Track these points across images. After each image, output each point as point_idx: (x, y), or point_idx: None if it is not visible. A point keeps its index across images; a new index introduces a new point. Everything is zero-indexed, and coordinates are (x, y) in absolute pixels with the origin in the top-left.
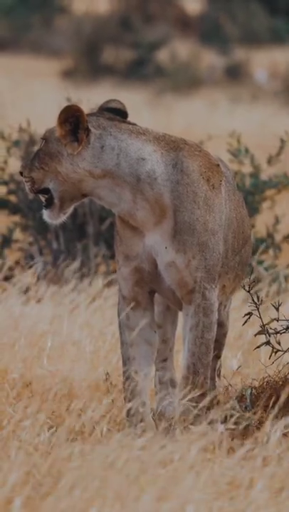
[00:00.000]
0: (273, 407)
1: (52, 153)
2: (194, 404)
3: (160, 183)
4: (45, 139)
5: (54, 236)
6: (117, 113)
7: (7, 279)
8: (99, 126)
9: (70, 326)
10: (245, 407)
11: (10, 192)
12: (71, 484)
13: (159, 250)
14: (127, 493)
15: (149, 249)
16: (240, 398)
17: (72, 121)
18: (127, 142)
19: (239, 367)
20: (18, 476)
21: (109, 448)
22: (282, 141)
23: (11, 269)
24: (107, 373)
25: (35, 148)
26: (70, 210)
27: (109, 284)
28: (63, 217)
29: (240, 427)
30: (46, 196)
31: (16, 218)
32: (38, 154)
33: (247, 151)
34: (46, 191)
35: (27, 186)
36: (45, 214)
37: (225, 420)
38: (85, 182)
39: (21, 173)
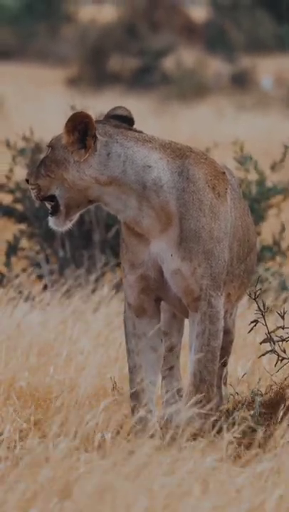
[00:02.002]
0: (280, 414)
1: (58, 161)
2: (201, 411)
3: (166, 190)
4: (52, 146)
5: (60, 244)
6: (123, 120)
7: (13, 286)
8: (105, 134)
9: (77, 333)
10: (252, 415)
11: (16, 200)
12: (79, 493)
13: (165, 258)
14: (135, 502)
15: (155, 257)
16: (247, 406)
17: (81, 128)
18: (133, 150)
19: (244, 374)
20: (25, 485)
21: (115, 456)
22: (286, 147)
23: (17, 277)
24: (114, 382)
25: (41, 156)
26: (76, 217)
27: (115, 292)
28: (69, 225)
29: (248, 434)
30: (52, 203)
31: (22, 226)
32: (44, 162)
33: (251, 158)
34: (52, 198)
35: (33, 193)
36: (51, 221)
37: (232, 428)
38: (91, 189)
39: (27, 181)
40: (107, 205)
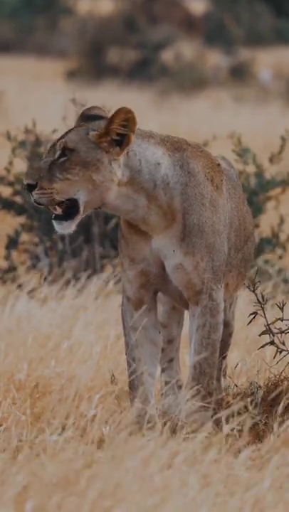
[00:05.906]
0: (278, 405)
1: (88, 162)
2: (200, 404)
3: (172, 186)
4: (73, 148)
5: (59, 237)
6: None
7: (13, 280)
8: None
9: (76, 326)
10: (252, 407)
11: (15, 193)
12: (78, 486)
13: (167, 253)
14: (134, 494)
15: (157, 253)
16: (247, 398)
17: (124, 124)
18: (142, 146)
19: (237, 365)
20: (25, 478)
21: (115, 449)
22: (284, 139)
23: (15, 269)
24: (113, 375)
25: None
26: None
27: (114, 284)
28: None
29: (246, 426)
30: (63, 207)
31: (22, 219)
32: (63, 164)
33: (248, 151)
34: (71, 202)
35: (44, 198)
36: (65, 225)
37: (231, 420)
38: (111, 190)
39: (31, 186)
40: (116, 210)
